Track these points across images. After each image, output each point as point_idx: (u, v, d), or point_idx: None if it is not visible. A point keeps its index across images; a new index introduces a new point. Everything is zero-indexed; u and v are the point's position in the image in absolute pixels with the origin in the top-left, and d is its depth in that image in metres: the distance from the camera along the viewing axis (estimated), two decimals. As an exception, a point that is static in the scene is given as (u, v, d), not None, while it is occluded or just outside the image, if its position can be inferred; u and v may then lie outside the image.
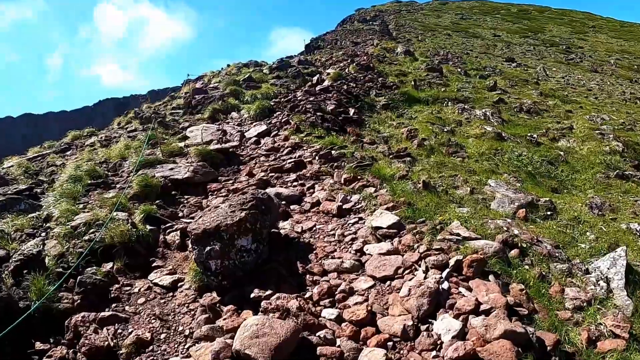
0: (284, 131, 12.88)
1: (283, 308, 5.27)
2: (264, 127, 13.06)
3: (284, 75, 19.25)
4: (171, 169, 10.31)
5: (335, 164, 10.25)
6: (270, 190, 8.92)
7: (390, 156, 12.06)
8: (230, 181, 10.20)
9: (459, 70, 26.00)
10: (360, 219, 7.83)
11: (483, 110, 18.44)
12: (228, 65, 22.89)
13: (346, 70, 20.85)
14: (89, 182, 10.11)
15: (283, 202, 8.65)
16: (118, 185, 10.06)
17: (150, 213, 8.29)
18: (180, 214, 8.67)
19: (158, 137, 12.43)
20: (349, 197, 8.61)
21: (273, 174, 10.27)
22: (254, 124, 13.76)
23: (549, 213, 10.69)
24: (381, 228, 7.23)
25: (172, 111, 15.65)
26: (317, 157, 10.68)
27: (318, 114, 13.96)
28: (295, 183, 9.69)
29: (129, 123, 15.56)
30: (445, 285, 5.78)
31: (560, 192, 13.33)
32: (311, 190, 9.26)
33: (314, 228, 7.73)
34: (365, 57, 23.71)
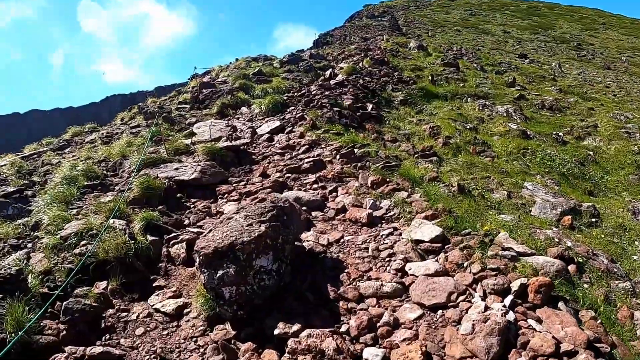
0: (299, 127, 11.73)
1: (316, 349, 4.12)
2: (277, 123, 11.90)
3: (296, 69, 18.08)
4: (176, 168, 9.17)
5: (359, 164, 9.08)
6: (289, 194, 7.77)
7: (416, 155, 10.90)
8: (242, 183, 9.05)
9: (475, 65, 24.77)
10: (395, 229, 6.66)
11: (505, 107, 17.23)
12: (236, 59, 21.69)
13: (360, 64, 19.66)
14: (85, 183, 8.98)
15: (304, 208, 7.50)
16: (117, 187, 8.92)
17: (151, 221, 7.15)
18: (186, 222, 7.53)
19: (163, 133, 11.30)
20: (378, 203, 7.45)
21: (289, 174, 9.12)
22: (266, 119, 12.59)
23: (593, 220, 9.54)
24: (423, 242, 6.07)
25: (179, 106, 14.49)
26: (338, 157, 9.51)
27: (335, 109, 12.80)
28: (315, 185, 8.53)
29: (133, 119, 14.42)
30: (511, 316, 4.62)
31: (596, 195, 12.18)
32: (334, 194, 8.09)
33: (342, 240, 6.56)
34: (379, 52, 22.51)
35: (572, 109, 19.89)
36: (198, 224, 7.37)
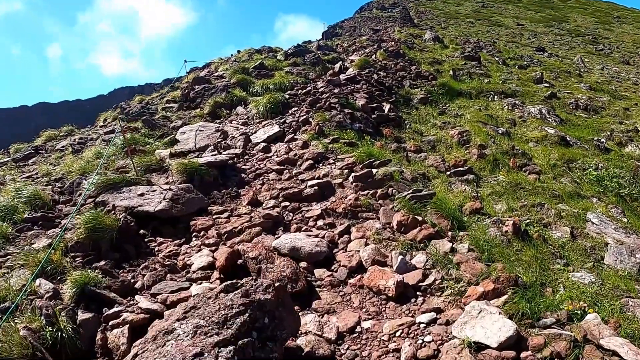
0: (303, 134, 9.28)
1: None
2: (275, 129, 9.43)
3: (301, 62, 15.52)
4: (142, 194, 6.76)
5: (379, 191, 6.64)
6: (283, 242, 5.36)
7: (448, 173, 8.44)
8: (226, 214, 6.63)
9: (497, 59, 22.12)
10: (438, 312, 4.25)
11: (537, 108, 14.63)
12: (238, 52, 19.09)
13: (373, 57, 17.08)
14: (26, 215, 6.63)
15: (303, 265, 5.10)
16: (65, 221, 6.54)
17: (87, 286, 4.78)
18: (139, 283, 5.12)
19: (139, 141, 8.90)
20: (409, 259, 5.03)
21: (287, 203, 6.70)
22: (264, 123, 10.13)
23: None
24: (487, 348, 3.66)
25: (166, 105, 12.03)
26: (350, 179, 7.08)
27: (346, 110, 10.32)
28: (320, 222, 6.11)
29: (116, 120, 12.00)
30: None
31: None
32: (346, 238, 5.67)
33: (359, 330, 4.14)
34: (393, 43, 19.89)
35: (607, 110, 17.25)
36: (154, 288, 4.96)
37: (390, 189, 6.64)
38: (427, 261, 4.98)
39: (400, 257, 4.96)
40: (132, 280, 5.13)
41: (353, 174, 7.07)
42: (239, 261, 5.13)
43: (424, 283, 4.64)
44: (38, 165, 9.31)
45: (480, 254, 5.16)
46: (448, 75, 16.61)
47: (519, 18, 52.25)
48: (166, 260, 5.54)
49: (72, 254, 5.65)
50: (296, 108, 10.66)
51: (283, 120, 9.98)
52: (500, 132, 12.03)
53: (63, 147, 10.38)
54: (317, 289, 4.79)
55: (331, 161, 8.00)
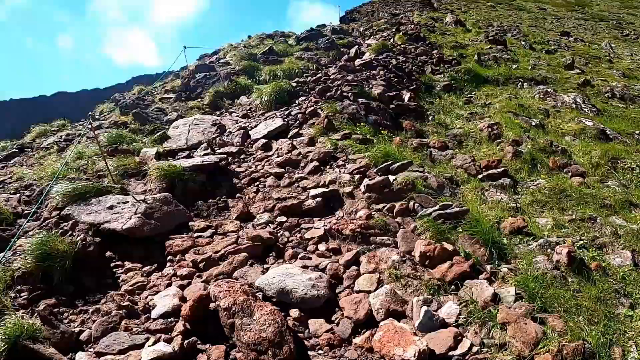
0: (309, 129, 7.85)
1: None
2: (278, 122, 8.01)
3: (314, 47, 13.95)
4: (111, 207, 5.45)
5: (398, 205, 5.22)
6: (270, 280, 3.98)
7: (479, 176, 6.96)
8: (208, 231, 5.27)
9: (523, 43, 20.27)
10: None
11: (572, 96, 12.91)
12: (249, 37, 17.50)
13: (391, 40, 15.45)
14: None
15: (294, 314, 3.75)
16: (20, 242, 5.26)
17: (20, 340, 3.50)
18: (85, 334, 3.80)
19: (126, 138, 7.59)
20: (437, 312, 3.64)
21: (284, 218, 5.33)
22: (266, 115, 8.71)
23: None
24: None
25: (164, 96, 10.64)
26: (363, 187, 5.66)
27: (360, 100, 8.85)
28: (322, 247, 4.73)
29: (112, 112, 10.67)
30: None
31: None
32: (353, 272, 4.27)
33: None
34: (413, 26, 18.18)
35: (645, 97, 15.45)
36: (101, 343, 3.64)
37: (412, 203, 5.21)
38: (460, 314, 3.58)
39: (425, 308, 3.56)
40: (77, 331, 3.82)
41: (366, 182, 5.64)
42: (212, 305, 3.79)
43: (457, 352, 3.24)
44: (18, 167, 8.07)
45: (531, 302, 3.73)
46: (473, 60, 14.93)
47: (540, 2, 49.55)
48: (125, 299, 4.21)
49: (18, 288, 4.39)
50: (304, 98, 9.20)
51: (288, 111, 8.55)
52: (533, 124, 10.43)
53: (49, 144, 9.11)
54: (310, 353, 3.42)
55: (340, 163, 6.57)
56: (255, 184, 6.26)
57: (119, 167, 6.40)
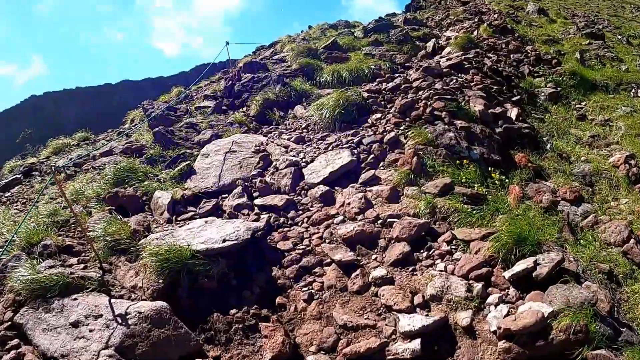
0: (389, 169, 5.19)
1: None
2: (345, 157, 5.34)
3: (385, 40, 11.03)
4: (75, 324, 3.05)
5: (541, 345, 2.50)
6: None
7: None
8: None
9: (619, 37, 16.45)
10: None
11: None
12: (310, 27, 14.63)
13: (475, 33, 12.29)
14: None
15: None
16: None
17: None
18: None
19: (138, 171, 5.15)
20: None
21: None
22: (327, 140, 6.03)
23: None
24: None
25: (202, 104, 8.01)
26: (494, 323, 2.98)
27: (457, 123, 6.03)
28: None
29: (143, 122, 8.18)
30: None
31: None
32: None
33: None
34: (496, 16, 14.84)
35: None
36: None
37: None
38: None
39: None
40: None
41: (497, 314, 2.96)
42: None
43: None
44: (6, 205, 5.77)
45: None
46: (573, 58, 11.62)
47: (617, -12, 43.63)
48: None
49: None
50: (379, 115, 6.42)
51: (358, 139, 5.80)
52: (676, 153, 7.28)
53: (58, 169, 6.77)
54: None
55: (444, 247, 3.88)
56: (307, 279, 3.68)
57: (107, 233, 3.95)
